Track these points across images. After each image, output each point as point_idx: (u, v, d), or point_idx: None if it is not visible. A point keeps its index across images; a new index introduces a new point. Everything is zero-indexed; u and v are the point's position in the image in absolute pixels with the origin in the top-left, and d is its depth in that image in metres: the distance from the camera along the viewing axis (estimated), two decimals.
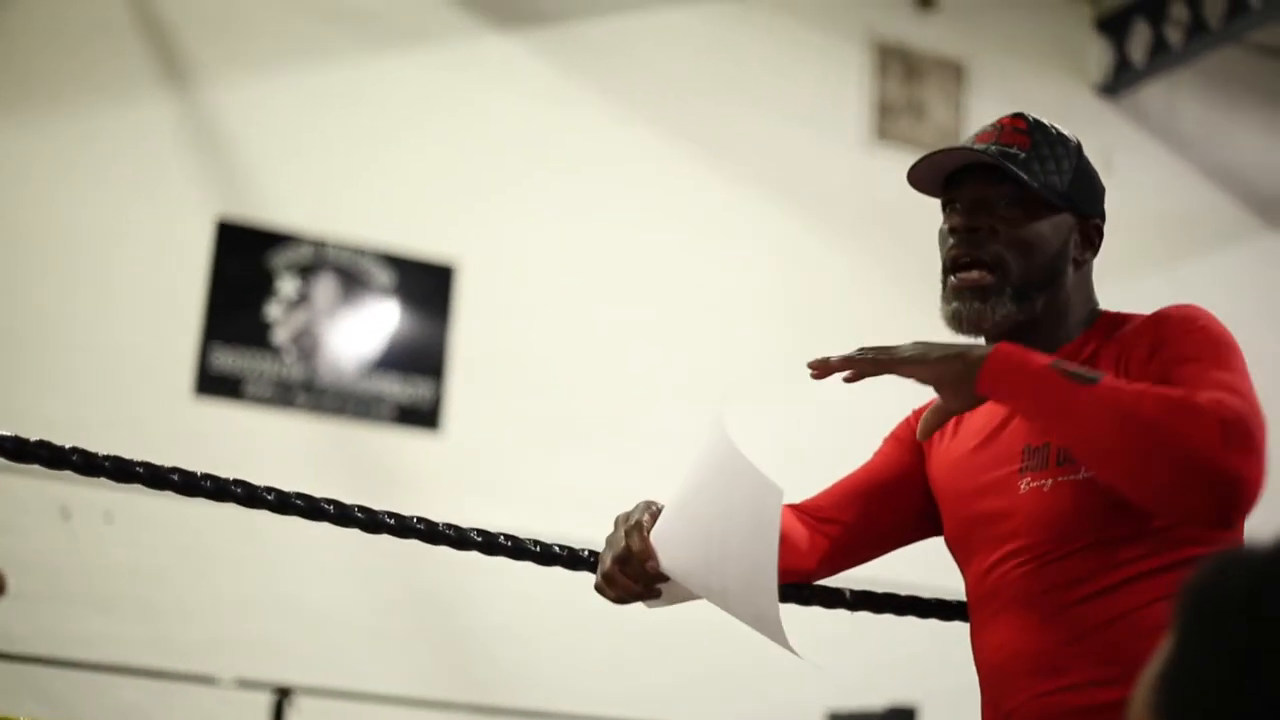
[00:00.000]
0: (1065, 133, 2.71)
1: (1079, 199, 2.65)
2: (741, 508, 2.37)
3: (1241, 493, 2.24)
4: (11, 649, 7.75)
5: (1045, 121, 2.70)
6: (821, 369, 2.53)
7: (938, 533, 2.81)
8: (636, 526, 2.54)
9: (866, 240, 10.54)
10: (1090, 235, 2.69)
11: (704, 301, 10.26)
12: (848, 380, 2.57)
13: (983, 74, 11.27)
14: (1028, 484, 2.54)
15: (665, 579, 2.54)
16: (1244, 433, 2.24)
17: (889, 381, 2.68)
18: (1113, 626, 2.44)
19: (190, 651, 8.40)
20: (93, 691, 7.98)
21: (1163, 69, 11.36)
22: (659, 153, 10.35)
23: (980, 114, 10.80)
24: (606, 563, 2.56)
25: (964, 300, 2.63)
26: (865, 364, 2.48)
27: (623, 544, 2.54)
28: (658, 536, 2.53)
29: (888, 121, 10.97)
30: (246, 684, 7.73)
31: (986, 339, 2.67)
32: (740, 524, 2.38)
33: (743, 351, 10.24)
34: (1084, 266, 2.69)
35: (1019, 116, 2.71)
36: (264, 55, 9.54)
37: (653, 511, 2.58)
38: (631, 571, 2.53)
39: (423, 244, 9.64)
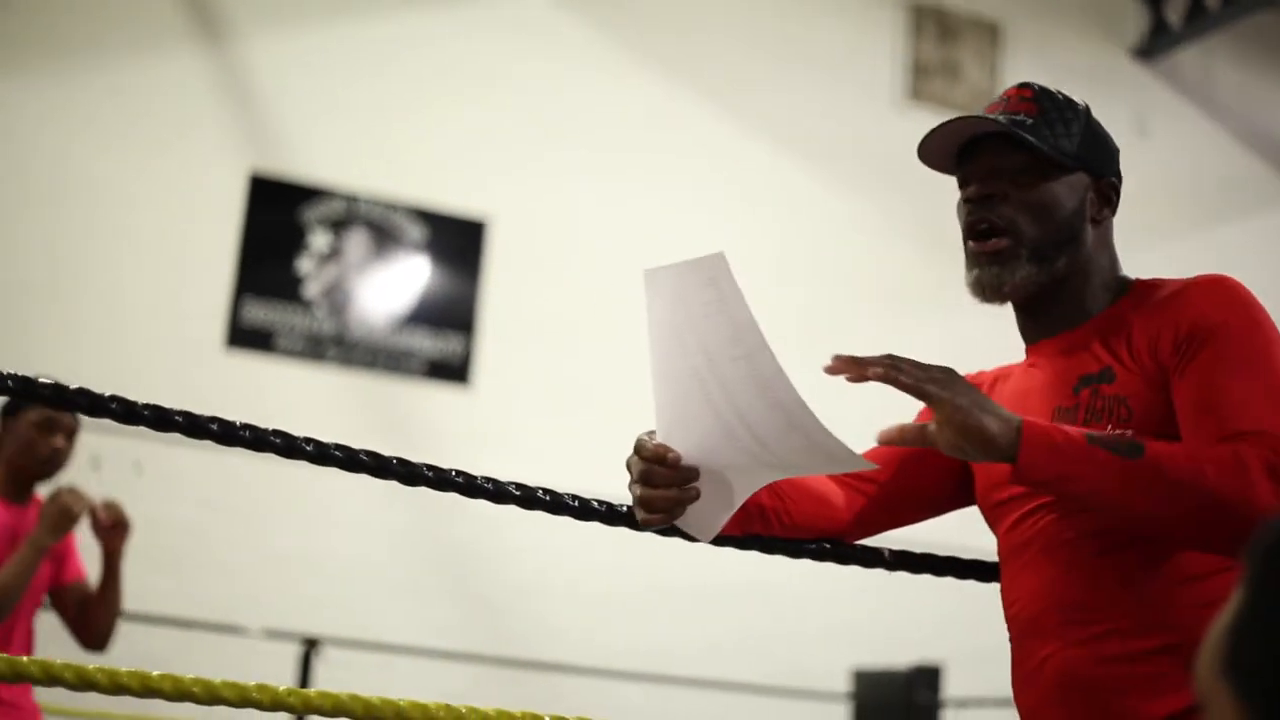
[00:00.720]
0: (1073, 98, 2.73)
1: (1091, 159, 2.67)
2: (718, 340, 2.32)
3: None
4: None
5: (1051, 88, 2.72)
6: (843, 367, 2.45)
7: (971, 500, 2.81)
8: (647, 435, 2.53)
9: (898, 202, 10.52)
10: (1106, 194, 2.70)
11: (739, 260, 10.20)
12: (851, 381, 2.45)
13: (1018, 36, 11.23)
14: None
15: (695, 474, 2.48)
16: None
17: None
18: (1143, 573, 2.45)
19: (218, 602, 8.44)
20: (120, 641, 7.99)
21: (1199, 33, 11.31)
22: (692, 113, 10.33)
23: (1015, 76, 10.77)
24: (635, 490, 2.52)
25: (983, 267, 2.64)
26: (890, 375, 2.36)
27: (639, 465, 2.51)
28: (665, 435, 2.49)
29: (921, 82, 10.93)
30: (274, 634, 7.76)
31: (1013, 304, 2.68)
32: (728, 360, 2.33)
33: (773, 312, 10.19)
34: (1103, 225, 2.70)
35: (1025, 86, 2.73)
36: (298, 10, 9.54)
37: (650, 431, 2.56)
38: (659, 479, 2.49)
39: (454, 199, 9.64)
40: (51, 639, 7.35)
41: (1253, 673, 1.18)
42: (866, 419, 2.98)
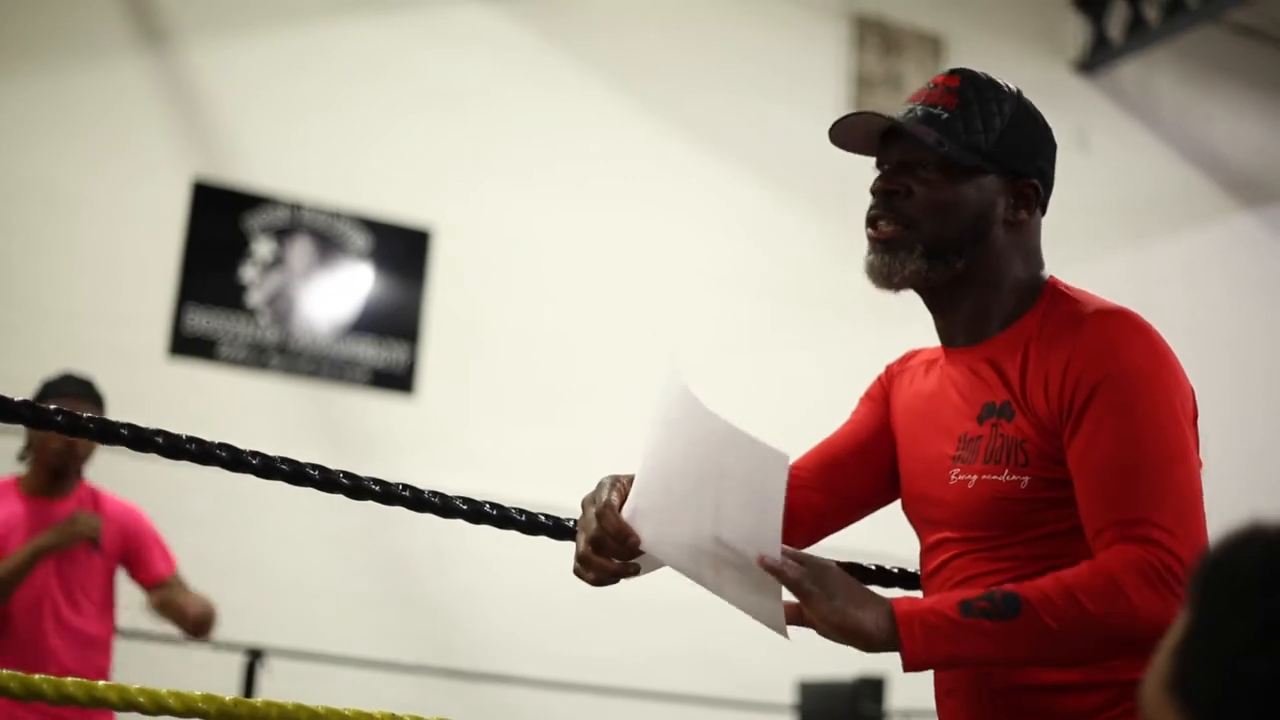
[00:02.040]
0: (1005, 87, 2.66)
1: (1009, 158, 2.61)
2: (737, 478, 2.28)
3: None
4: None
5: (983, 77, 2.66)
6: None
7: None
8: (607, 506, 2.47)
9: (841, 213, 10.53)
10: (1025, 194, 2.63)
11: (678, 272, 10.27)
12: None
13: (960, 48, 11.28)
14: (956, 475, 2.53)
15: (641, 554, 2.46)
16: (1175, 580, 2.26)
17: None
18: None
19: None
20: None
21: (1140, 47, 11.39)
22: (635, 123, 10.35)
23: None
24: (580, 546, 2.49)
25: (876, 253, 2.62)
26: (777, 571, 2.32)
27: (594, 526, 2.46)
28: (633, 512, 2.45)
29: (865, 94, 10.98)
30: (218, 645, 7.73)
31: (924, 302, 2.67)
32: (736, 497, 2.29)
33: (716, 322, 10.26)
34: (1020, 227, 2.63)
35: (954, 74, 2.68)
36: (241, 17, 9.52)
37: (620, 487, 2.51)
38: (607, 552, 2.46)
39: (399, 208, 9.63)
40: None
41: (1198, 690, 1.21)
42: (848, 388, 2.99)
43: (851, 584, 2.35)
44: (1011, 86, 2.68)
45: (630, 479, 2.52)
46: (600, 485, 2.52)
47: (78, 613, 5.57)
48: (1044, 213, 2.70)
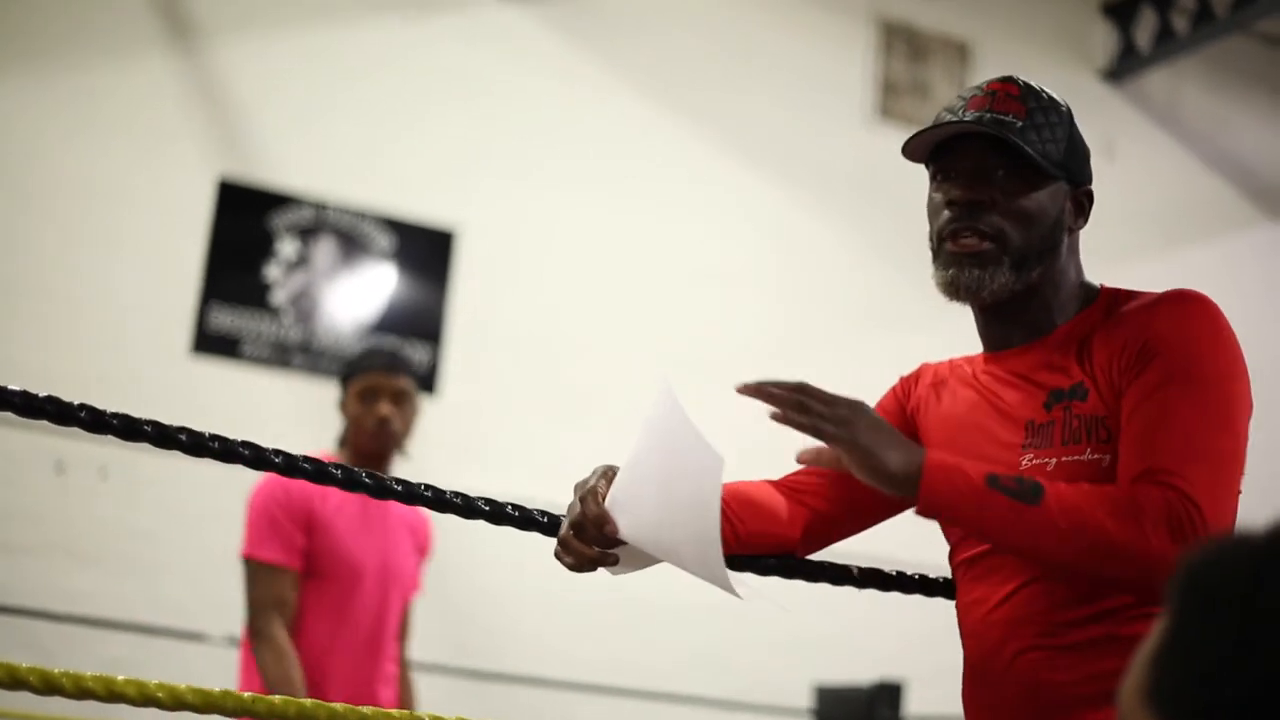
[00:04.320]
0: (1056, 98, 2.69)
1: (1072, 167, 2.64)
2: (686, 474, 2.37)
3: None
4: (1, 600, 7.77)
5: (1036, 86, 2.67)
6: (752, 392, 2.45)
7: None
8: (591, 492, 2.54)
9: (866, 218, 10.54)
10: (1082, 203, 2.67)
11: (701, 275, 10.26)
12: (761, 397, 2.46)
13: (987, 55, 11.26)
14: (1030, 460, 2.52)
15: (621, 543, 2.53)
16: (1193, 531, 2.27)
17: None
18: (1107, 597, 2.45)
19: (180, 608, 8.42)
20: (82, 644, 8.00)
21: (1168, 56, 11.36)
22: (661, 126, 10.34)
23: None
24: (563, 529, 2.55)
25: (961, 267, 2.60)
26: (788, 417, 2.38)
27: (577, 509, 2.52)
28: (613, 501, 2.52)
29: (891, 100, 10.97)
30: (236, 641, 7.74)
31: (979, 309, 2.67)
32: (685, 490, 2.38)
33: (740, 326, 10.25)
34: (1075, 235, 2.68)
35: (1010, 81, 2.68)
36: (270, 17, 9.53)
37: (609, 475, 2.58)
38: (587, 537, 2.51)
39: (423, 209, 9.64)
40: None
41: (1175, 701, 1.20)
42: (867, 392, 2.99)
43: (881, 424, 2.38)
44: (1060, 97, 2.70)
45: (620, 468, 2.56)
46: (593, 472, 2.57)
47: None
48: (1087, 222, 2.71)
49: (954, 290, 2.62)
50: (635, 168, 10.26)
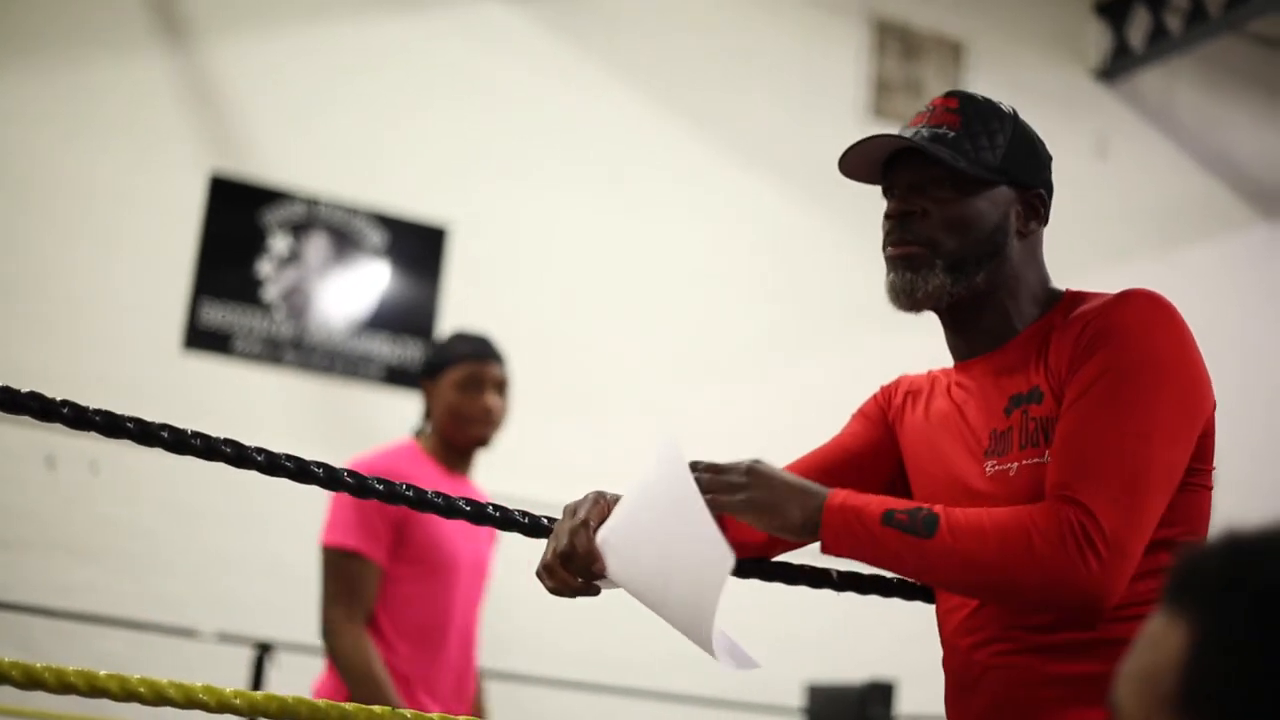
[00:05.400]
0: (1001, 106, 2.71)
1: (1016, 170, 2.65)
2: (689, 554, 2.36)
3: (1101, 596, 2.31)
4: None
5: (979, 96, 2.71)
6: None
7: None
8: (583, 525, 2.49)
9: (861, 216, 10.52)
10: (1034, 205, 2.69)
11: (694, 274, 10.26)
12: None
13: (981, 54, 11.26)
14: (993, 467, 2.54)
15: (604, 577, 2.51)
16: (1088, 545, 2.28)
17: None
18: None
19: (172, 604, 8.41)
20: (74, 640, 7.99)
21: (1161, 55, 11.35)
22: (654, 124, 10.34)
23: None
24: (548, 555, 2.53)
25: (897, 271, 2.67)
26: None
27: (566, 541, 2.49)
28: (604, 541, 2.48)
29: (884, 99, 10.96)
30: (227, 638, 7.74)
31: (939, 319, 2.69)
32: (686, 568, 2.37)
33: (732, 326, 10.25)
34: (1030, 238, 2.69)
35: (951, 95, 2.72)
36: (263, 13, 9.52)
37: (602, 506, 2.53)
38: (573, 569, 2.49)
39: (415, 205, 9.64)
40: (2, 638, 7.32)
41: (1217, 705, 1.17)
42: (859, 394, 2.99)
43: (777, 479, 2.45)
44: (1006, 104, 2.71)
45: (613, 499, 2.55)
46: (584, 500, 2.56)
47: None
48: (1046, 224, 2.72)
49: (894, 295, 2.70)
50: (629, 165, 10.26)
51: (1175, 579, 1.24)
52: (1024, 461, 2.49)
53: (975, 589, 2.42)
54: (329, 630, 4.83)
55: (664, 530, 2.40)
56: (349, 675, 4.74)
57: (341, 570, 4.82)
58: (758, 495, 2.42)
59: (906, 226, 2.66)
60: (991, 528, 2.32)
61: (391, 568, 4.85)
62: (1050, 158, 2.75)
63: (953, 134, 2.63)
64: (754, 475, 2.45)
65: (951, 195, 2.62)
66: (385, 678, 4.70)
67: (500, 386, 5.22)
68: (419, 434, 5.21)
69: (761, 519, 2.42)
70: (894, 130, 2.73)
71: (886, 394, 2.90)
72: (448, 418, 5.09)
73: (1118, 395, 2.39)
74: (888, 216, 2.71)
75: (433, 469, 5.02)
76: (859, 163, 2.76)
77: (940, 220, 2.63)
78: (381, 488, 2.56)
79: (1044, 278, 2.71)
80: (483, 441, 5.15)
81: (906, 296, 2.65)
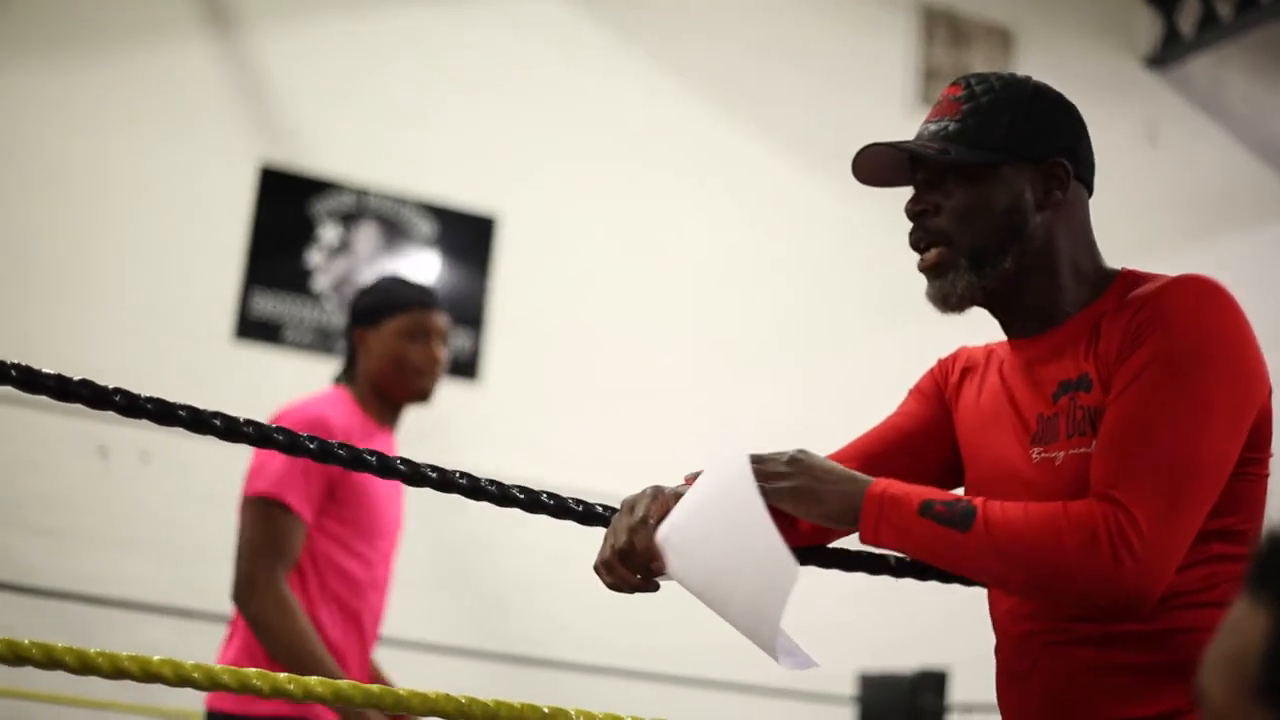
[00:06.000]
0: (1011, 79, 2.65)
1: (1024, 144, 2.59)
2: (754, 565, 2.34)
3: (1137, 597, 2.28)
4: (41, 584, 7.80)
5: (991, 76, 2.66)
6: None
7: (961, 484, 2.78)
8: (643, 523, 2.46)
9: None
10: (1055, 174, 2.60)
11: (742, 264, 10.25)
12: None
13: (1029, 42, 11.21)
14: (1039, 455, 2.50)
15: (663, 574, 2.48)
16: (1124, 545, 2.25)
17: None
18: None
19: (218, 594, 8.42)
20: (120, 628, 8.03)
21: (1211, 42, 11.29)
22: (703, 113, 10.33)
23: None
24: (607, 551, 2.49)
25: (929, 281, 2.65)
26: None
27: (625, 538, 2.46)
28: (664, 538, 2.45)
29: (932, 87, 10.93)
30: None
31: (987, 307, 2.66)
32: (750, 576, 2.35)
33: (780, 316, 10.24)
34: (1061, 208, 2.61)
35: (957, 83, 2.69)
36: (310, 2, 9.54)
37: (661, 502, 2.48)
38: (632, 566, 2.46)
39: (464, 195, 9.65)
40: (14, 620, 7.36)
41: None
42: (848, 427, 2.98)
43: (817, 468, 2.46)
44: (1020, 75, 2.66)
45: (672, 494, 2.50)
46: (642, 495, 2.50)
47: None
48: (1090, 190, 2.67)
49: (933, 302, 2.66)
50: (677, 155, 10.25)
51: (1257, 565, 1.22)
52: (1070, 451, 2.45)
53: (1011, 585, 2.41)
54: (250, 587, 4.34)
55: (728, 535, 2.37)
56: (274, 639, 4.28)
57: (268, 523, 4.40)
58: (800, 484, 2.42)
59: (922, 225, 2.65)
60: (1026, 524, 2.29)
61: (318, 526, 4.50)
62: (1078, 122, 2.66)
63: (954, 125, 2.60)
64: (797, 465, 2.44)
65: (958, 186, 2.59)
66: (319, 643, 4.31)
67: (444, 337, 4.74)
68: (346, 381, 4.77)
69: (802, 508, 2.41)
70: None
71: (944, 368, 2.85)
72: (390, 366, 4.66)
73: (1163, 386, 2.35)
74: (908, 217, 2.69)
75: (361, 420, 4.63)
76: (881, 171, 2.76)
77: (951, 213, 2.60)
78: (443, 478, 2.52)
79: (1091, 253, 2.64)
80: (424, 395, 4.76)
81: (943, 303, 2.63)
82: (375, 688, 2.13)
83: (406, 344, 4.64)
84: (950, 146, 2.59)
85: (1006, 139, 2.58)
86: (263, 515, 4.42)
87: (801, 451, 2.47)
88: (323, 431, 4.34)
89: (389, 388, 4.69)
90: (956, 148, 2.58)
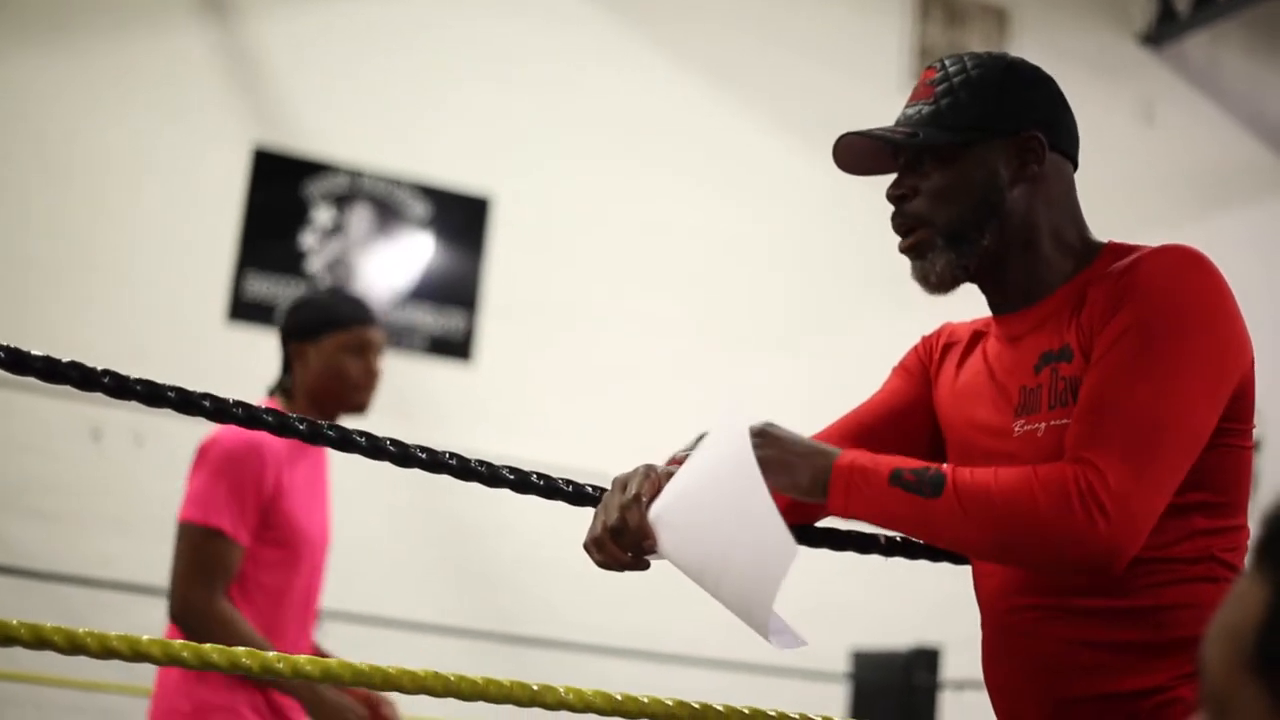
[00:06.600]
0: (983, 58, 2.64)
1: (995, 120, 2.58)
2: (751, 542, 2.33)
3: (1110, 555, 2.27)
4: (37, 566, 7.80)
5: (962, 58, 2.65)
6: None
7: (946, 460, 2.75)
8: (635, 500, 2.43)
9: None
10: (1030, 147, 2.58)
11: (735, 245, 10.25)
12: None
13: (1025, 21, 11.20)
14: (1021, 427, 2.50)
15: (654, 553, 2.46)
16: (1096, 505, 2.24)
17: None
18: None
19: None
20: (116, 610, 8.03)
21: (1207, 21, 11.27)
22: (697, 94, 10.32)
23: None
24: (598, 529, 2.47)
25: (911, 262, 2.66)
26: None
27: (617, 516, 2.44)
28: (656, 516, 2.43)
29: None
30: None
31: (975, 283, 2.66)
32: (746, 553, 2.34)
33: (774, 296, 10.23)
34: (1038, 180, 2.59)
35: (931, 67, 2.69)
36: None
37: (653, 480, 2.46)
38: (623, 544, 2.44)
39: (458, 176, 9.64)
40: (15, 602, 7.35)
41: None
42: (844, 408, 2.97)
43: (784, 439, 2.44)
44: (997, 53, 2.67)
45: (665, 473, 2.48)
46: (634, 473, 2.48)
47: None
48: (1075, 163, 2.66)
49: (919, 283, 2.67)
50: (670, 137, 10.24)
51: (1261, 539, 1.22)
52: (1052, 422, 2.45)
53: (983, 550, 2.40)
54: (192, 612, 4.39)
55: (724, 512, 2.36)
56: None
57: (205, 549, 4.44)
58: (768, 454, 2.38)
59: (901, 209, 2.66)
60: (997, 487, 2.29)
61: (252, 551, 4.54)
62: (1055, 95, 2.65)
63: (927, 108, 2.60)
64: (764, 437, 2.41)
65: (934, 168, 2.60)
66: (269, 645, 4.30)
67: (380, 351, 4.83)
68: (280, 392, 4.89)
69: (770, 480, 2.39)
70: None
71: (928, 345, 2.86)
72: (331, 381, 4.75)
73: (1139, 352, 2.35)
74: (889, 202, 2.70)
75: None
76: (864, 160, 2.77)
77: (927, 195, 2.60)
78: (432, 459, 2.51)
79: (1076, 225, 2.64)
80: (361, 408, 4.83)
81: (925, 283, 2.64)
82: (364, 665, 2.13)
83: (347, 358, 4.72)
84: (921, 129, 2.59)
85: (979, 117, 2.57)
86: (196, 542, 4.45)
87: (769, 424, 2.46)
88: (259, 448, 4.50)
89: (327, 401, 4.77)
90: (927, 130, 2.58)
